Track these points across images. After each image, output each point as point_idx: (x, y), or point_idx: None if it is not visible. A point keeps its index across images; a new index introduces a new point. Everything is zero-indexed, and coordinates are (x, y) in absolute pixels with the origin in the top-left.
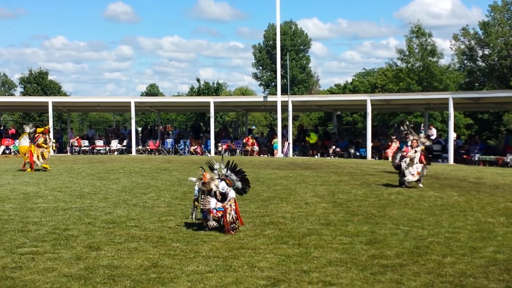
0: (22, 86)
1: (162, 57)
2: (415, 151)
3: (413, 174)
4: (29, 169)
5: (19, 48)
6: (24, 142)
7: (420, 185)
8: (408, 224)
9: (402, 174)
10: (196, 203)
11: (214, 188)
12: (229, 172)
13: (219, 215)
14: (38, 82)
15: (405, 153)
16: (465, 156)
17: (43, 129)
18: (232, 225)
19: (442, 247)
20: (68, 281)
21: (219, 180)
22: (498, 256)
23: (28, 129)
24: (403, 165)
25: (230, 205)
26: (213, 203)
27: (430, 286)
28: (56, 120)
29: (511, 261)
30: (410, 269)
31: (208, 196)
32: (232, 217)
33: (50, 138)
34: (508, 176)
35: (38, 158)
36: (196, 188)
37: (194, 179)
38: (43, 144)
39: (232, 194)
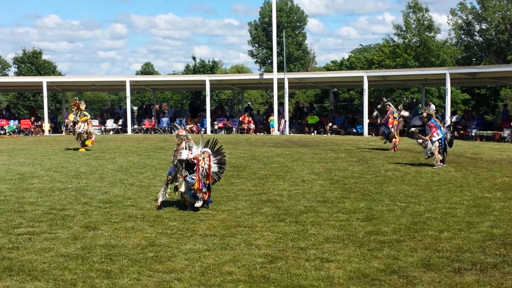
0: (16, 66)
1: (157, 36)
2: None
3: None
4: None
5: (11, 27)
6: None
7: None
8: (405, 200)
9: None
10: (169, 181)
11: (185, 145)
12: (208, 150)
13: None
14: (32, 62)
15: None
16: (462, 132)
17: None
18: (203, 181)
19: (439, 223)
20: (65, 260)
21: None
22: (495, 231)
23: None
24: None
25: (204, 158)
26: (184, 154)
27: (427, 262)
28: (51, 100)
29: (507, 236)
30: (407, 245)
31: (181, 149)
32: (205, 170)
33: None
34: (505, 151)
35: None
36: (172, 166)
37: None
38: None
39: (208, 150)
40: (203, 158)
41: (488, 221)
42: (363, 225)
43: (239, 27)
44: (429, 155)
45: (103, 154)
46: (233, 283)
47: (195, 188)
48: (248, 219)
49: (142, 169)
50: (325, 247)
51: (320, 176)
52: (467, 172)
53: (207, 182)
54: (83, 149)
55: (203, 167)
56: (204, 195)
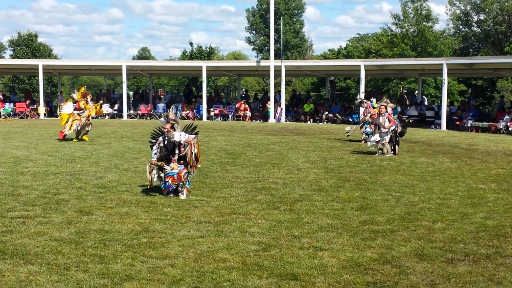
0: (12, 48)
1: (153, 20)
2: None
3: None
4: (75, 139)
5: (6, 10)
6: (66, 109)
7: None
8: (399, 190)
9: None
10: (153, 165)
11: (177, 126)
12: (182, 133)
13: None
14: (28, 45)
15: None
16: (458, 123)
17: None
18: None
19: (433, 213)
20: (59, 245)
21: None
22: (488, 222)
23: (75, 96)
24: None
25: (193, 143)
26: (177, 135)
27: (420, 252)
28: (47, 84)
29: (501, 227)
30: (401, 234)
31: (172, 130)
32: (195, 155)
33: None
34: (500, 143)
35: (70, 128)
36: (155, 149)
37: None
38: (86, 106)
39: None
40: (193, 144)
41: (482, 212)
42: (357, 214)
43: (236, 13)
44: (374, 143)
45: (98, 138)
46: (226, 270)
47: (180, 175)
48: (242, 206)
49: (137, 154)
50: (319, 236)
51: (315, 165)
52: (462, 163)
53: (191, 170)
54: (86, 137)
55: (193, 152)
56: (184, 185)
